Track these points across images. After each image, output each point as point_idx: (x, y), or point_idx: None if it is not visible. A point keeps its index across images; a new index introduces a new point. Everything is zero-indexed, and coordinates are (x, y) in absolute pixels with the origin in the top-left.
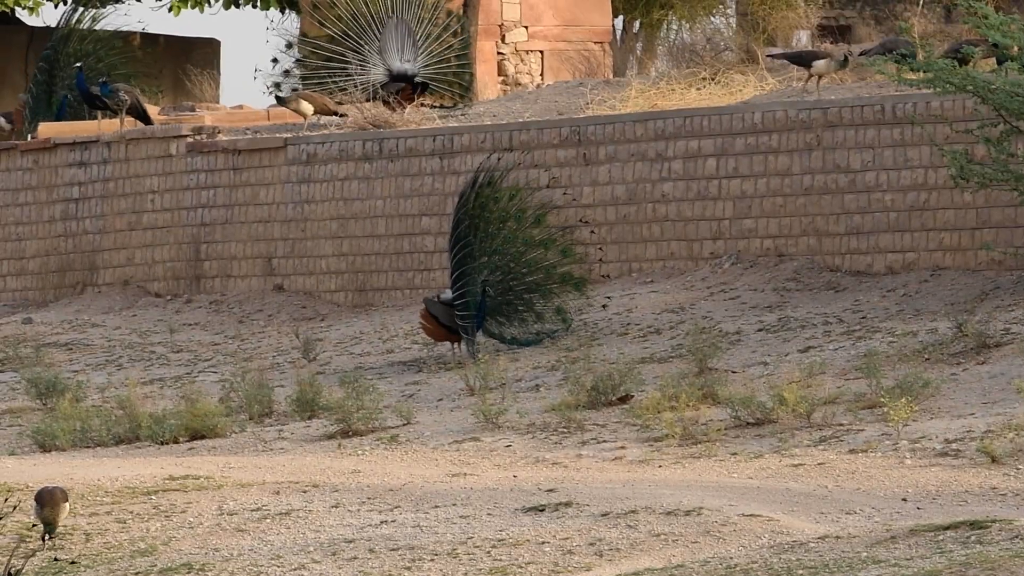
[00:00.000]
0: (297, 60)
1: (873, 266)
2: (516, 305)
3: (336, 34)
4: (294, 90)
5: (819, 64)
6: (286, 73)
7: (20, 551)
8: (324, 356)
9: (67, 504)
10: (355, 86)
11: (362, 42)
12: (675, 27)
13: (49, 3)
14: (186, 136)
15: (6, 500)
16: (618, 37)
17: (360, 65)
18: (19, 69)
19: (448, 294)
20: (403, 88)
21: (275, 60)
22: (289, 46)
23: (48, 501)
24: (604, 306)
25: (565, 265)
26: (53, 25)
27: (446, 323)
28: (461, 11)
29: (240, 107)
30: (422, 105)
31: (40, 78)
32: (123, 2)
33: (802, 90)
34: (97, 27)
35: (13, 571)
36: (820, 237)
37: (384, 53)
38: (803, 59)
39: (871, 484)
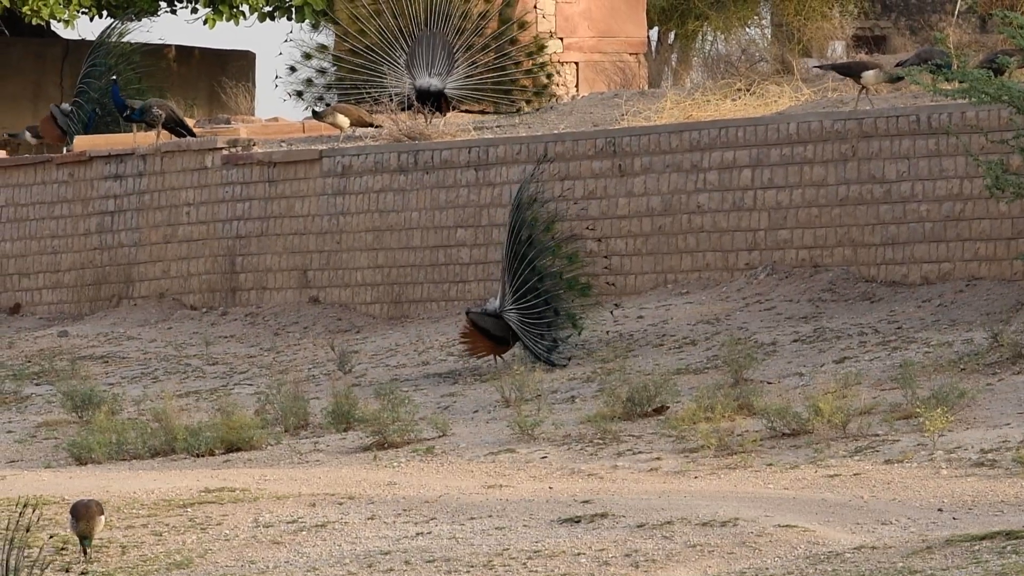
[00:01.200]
0: (320, 70)
1: (908, 276)
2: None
3: (365, 47)
4: (319, 98)
5: (869, 75)
6: (309, 83)
7: (56, 564)
8: (360, 368)
9: (103, 517)
10: (389, 98)
11: (391, 56)
12: (710, 38)
13: (84, 16)
14: (221, 149)
15: (41, 513)
16: (653, 48)
17: (390, 78)
18: (54, 82)
19: (493, 304)
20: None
21: (292, 68)
22: (307, 57)
23: (84, 514)
24: (611, 311)
25: (573, 272)
26: (88, 38)
27: (497, 334)
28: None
29: (275, 119)
30: (491, 112)
31: (87, 91)
32: (157, 15)
33: (856, 100)
34: (132, 40)
35: None
36: (855, 248)
37: (412, 68)
38: (852, 70)
39: (907, 495)
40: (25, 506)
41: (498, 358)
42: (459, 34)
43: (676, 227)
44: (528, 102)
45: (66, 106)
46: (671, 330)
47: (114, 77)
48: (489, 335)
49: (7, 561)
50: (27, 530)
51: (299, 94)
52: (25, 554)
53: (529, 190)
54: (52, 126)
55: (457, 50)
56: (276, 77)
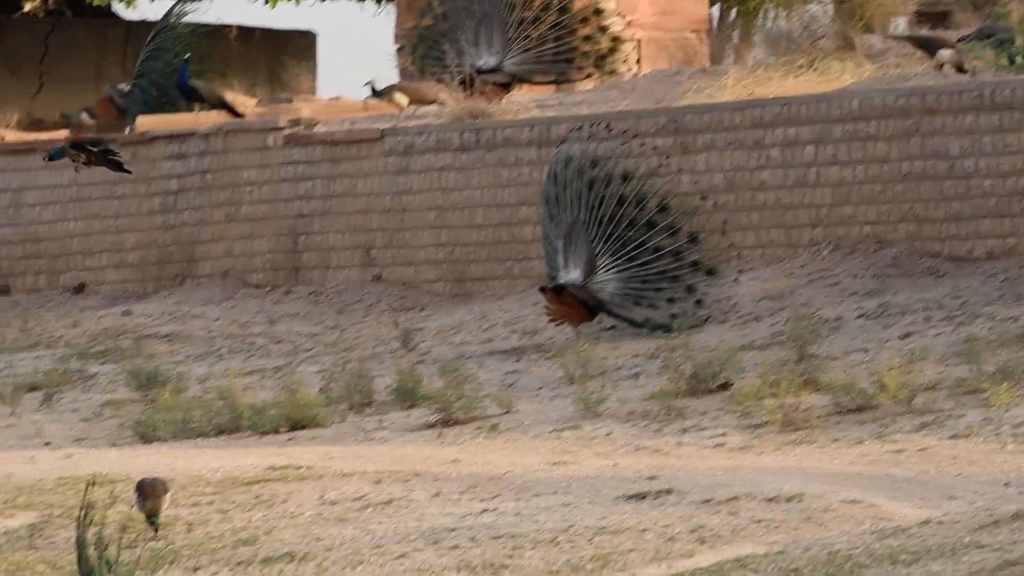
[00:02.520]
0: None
1: (973, 252)
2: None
3: (430, 27)
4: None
5: (944, 53)
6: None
7: (122, 542)
8: (424, 346)
9: (168, 495)
10: (451, 78)
11: (456, 35)
12: (772, 15)
13: None
14: (283, 128)
15: (108, 491)
16: (715, 25)
17: (454, 57)
18: (116, 63)
19: (574, 275)
20: (495, 82)
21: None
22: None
23: (150, 492)
24: (735, 280)
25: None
26: (150, 19)
27: (590, 303)
28: None
29: (336, 99)
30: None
31: (148, 72)
32: None
33: (937, 67)
34: (193, 20)
35: (105, 563)
36: (919, 223)
37: (472, 45)
38: (931, 44)
39: (973, 469)
40: (92, 484)
41: (578, 328)
42: (511, 9)
43: (739, 204)
44: (590, 75)
45: (124, 87)
46: (735, 306)
47: (186, 56)
48: (585, 305)
49: (82, 538)
50: (93, 508)
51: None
52: (93, 532)
53: (585, 150)
54: (109, 107)
55: (511, 26)
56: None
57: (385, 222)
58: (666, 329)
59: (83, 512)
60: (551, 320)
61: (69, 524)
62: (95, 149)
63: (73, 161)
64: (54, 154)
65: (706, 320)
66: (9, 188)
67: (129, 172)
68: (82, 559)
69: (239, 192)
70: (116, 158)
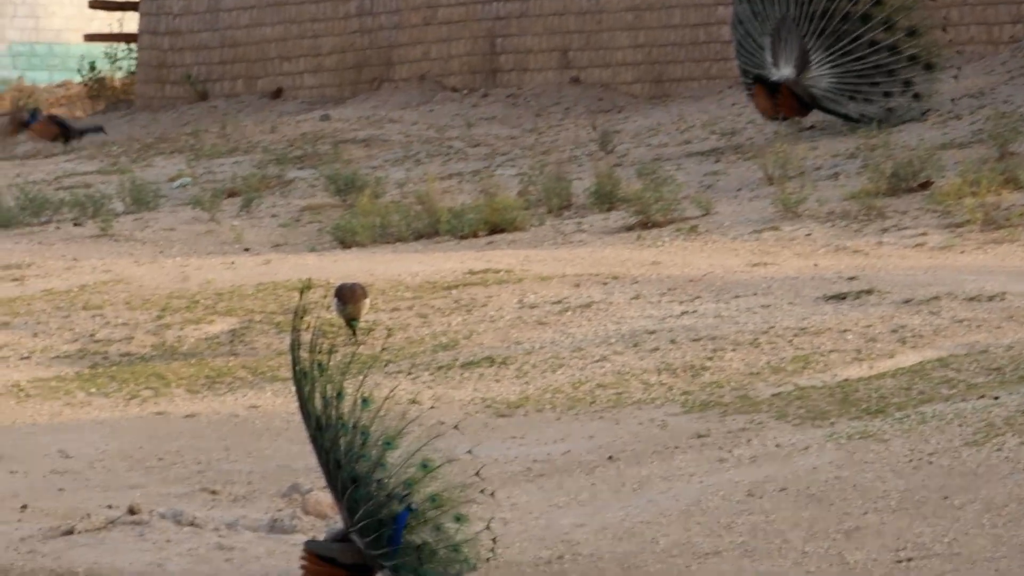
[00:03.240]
0: None
1: None
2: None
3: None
4: None
5: None
6: None
7: (322, 346)
8: (621, 148)
9: (368, 300)
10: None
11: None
12: None
13: None
14: None
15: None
16: None
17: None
18: None
19: (786, 72)
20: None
21: None
22: None
23: (349, 297)
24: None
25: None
26: None
27: (804, 98)
28: None
29: None
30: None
31: None
32: None
33: None
34: None
35: (317, 366)
36: None
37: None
38: None
39: None
40: (306, 288)
41: (791, 123)
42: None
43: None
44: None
45: None
46: (934, 104)
47: None
48: (799, 101)
49: (295, 341)
50: (305, 311)
51: None
52: (303, 336)
53: None
54: None
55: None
56: None
57: (582, 24)
58: (881, 123)
59: (297, 314)
60: (766, 117)
61: (269, 329)
62: None
63: None
64: None
65: (924, 114)
66: None
67: None
68: (295, 362)
69: None
70: None
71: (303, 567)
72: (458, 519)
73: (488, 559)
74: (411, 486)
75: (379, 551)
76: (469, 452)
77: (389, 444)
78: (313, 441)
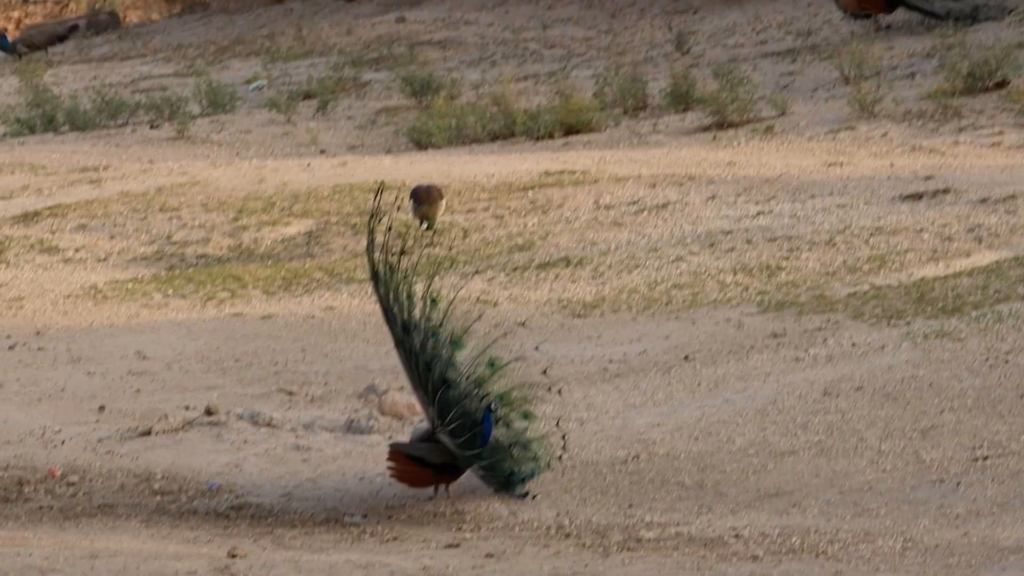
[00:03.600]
0: None
1: None
2: None
3: None
4: None
5: None
6: None
7: (398, 247)
8: (697, 49)
9: (443, 201)
10: None
11: None
12: None
13: None
14: None
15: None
16: None
17: None
18: None
19: None
20: None
21: None
22: None
23: (425, 198)
24: None
25: None
26: None
27: None
28: None
29: None
30: None
31: None
32: None
33: None
34: None
35: (391, 267)
36: None
37: None
38: None
39: None
40: (380, 189)
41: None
42: None
43: None
44: None
45: None
46: (1011, 3)
47: None
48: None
49: (371, 242)
50: (382, 211)
51: None
52: (378, 237)
53: None
54: None
55: None
56: None
57: None
58: (962, 22)
59: (372, 216)
60: (849, 14)
61: (345, 231)
62: None
63: None
64: None
65: (1010, 13)
66: None
67: None
68: (372, 263)
69: None
70: None
71: (390, 467)
72: (525, 416)
73: (559, 456)
74: (480, 384)
75: (470, 450)
76: (536, 349)
77: (456, 344)
78: (399, 344)
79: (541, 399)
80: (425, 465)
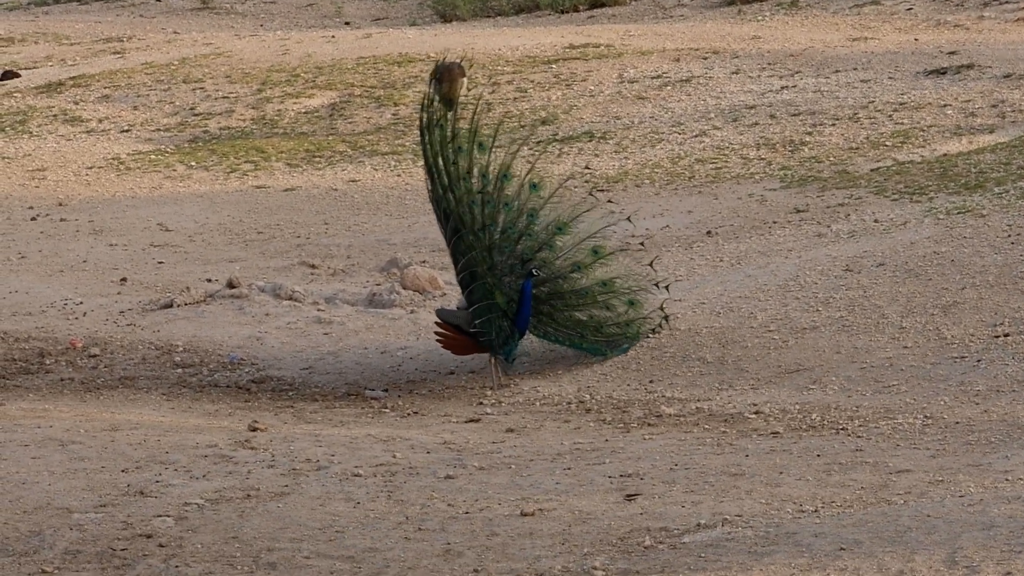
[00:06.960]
0: None
1: None
2: None
3: None
4: None
5: None
6: None
7: (417, 126)
8: None
9: (465, 79)
10: None
11: None
12: None
13: None
14: None
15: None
16: None
17: None
18: None
19: None
20: None
21: None
22: None
23: (446, 77)
24: None
25: None
26: None
27: None
28: None
29: None
30: None
31: None
32: None
33: None
34: None
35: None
36: None
37: None
38: None
39: None
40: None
41: None
42: None
43: None
44: None
45: None
46: None
47: None
48: None
49: (428, 120)
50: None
51: None
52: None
53: None
54: None
55: None
56: None
57: None
58: None
59: (427, 99)
60: None
61: (369, 104)
62: None
63: None
64: None
65: None
66: None
67: None
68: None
69: None
70: None
71: (438, 334)
72: (632, 304)
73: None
74: (580, 269)
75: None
76: (628, 219)
77: (561, 229)
78: (435, 203)
79: (647, 290)
80: (462, 333)
